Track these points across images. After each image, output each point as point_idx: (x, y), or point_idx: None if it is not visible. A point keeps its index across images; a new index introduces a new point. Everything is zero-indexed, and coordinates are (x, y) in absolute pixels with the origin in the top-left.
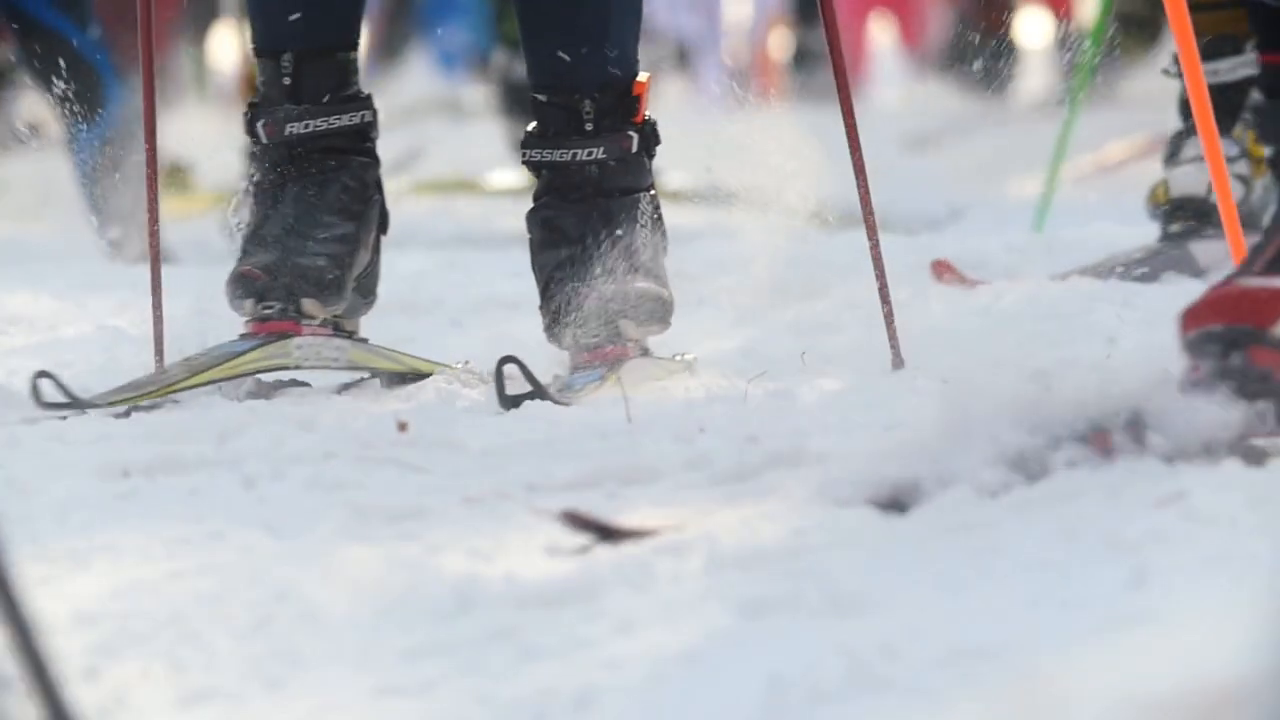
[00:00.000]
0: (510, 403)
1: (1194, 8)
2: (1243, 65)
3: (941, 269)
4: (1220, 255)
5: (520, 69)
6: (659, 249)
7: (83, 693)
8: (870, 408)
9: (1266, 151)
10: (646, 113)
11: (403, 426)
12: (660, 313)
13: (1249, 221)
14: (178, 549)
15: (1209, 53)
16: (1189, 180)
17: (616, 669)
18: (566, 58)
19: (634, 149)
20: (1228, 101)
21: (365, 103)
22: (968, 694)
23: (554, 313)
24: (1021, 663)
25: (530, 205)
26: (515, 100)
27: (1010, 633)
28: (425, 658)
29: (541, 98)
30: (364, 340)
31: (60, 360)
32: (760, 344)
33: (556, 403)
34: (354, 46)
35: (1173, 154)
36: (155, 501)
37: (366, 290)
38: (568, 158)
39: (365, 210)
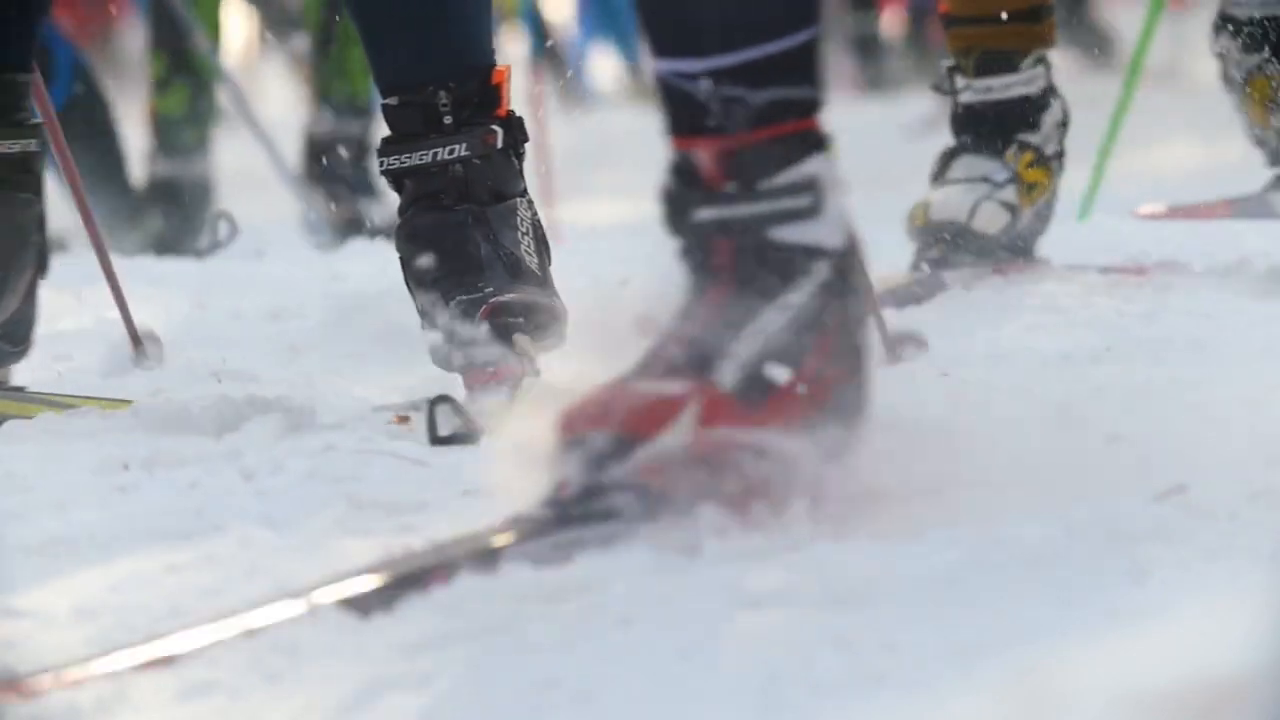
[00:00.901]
0: (442, 441)
1: (966, 21)
2: (1018, 84)
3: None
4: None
5: (324, 119)
6: (545, 258)
7: (81, 686)
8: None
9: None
10: (509, 106)
11: (403, 420)
12: (555, 326)
13: (1015, 250)
14: (176, 542)
15: (981, 68)
16: (951, 204)
17: (615, 663)
18: (413, 49)
19: (499, 144)
20: (1000, 121)
21: (31, 131)
22: (967, 688)
23: (440, 334)
24: (1021, 657)
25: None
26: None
27: (1009, 627)
28: (424, 651)
29: (393, 101)
30: (18, 389)
31: (58, 354)
32: None
33: (478, 436)
34: (25, 69)
35: (939, 173)
36: (154, 495)
37: (16, 339)
38: (428, 159)
39: (16, 252)
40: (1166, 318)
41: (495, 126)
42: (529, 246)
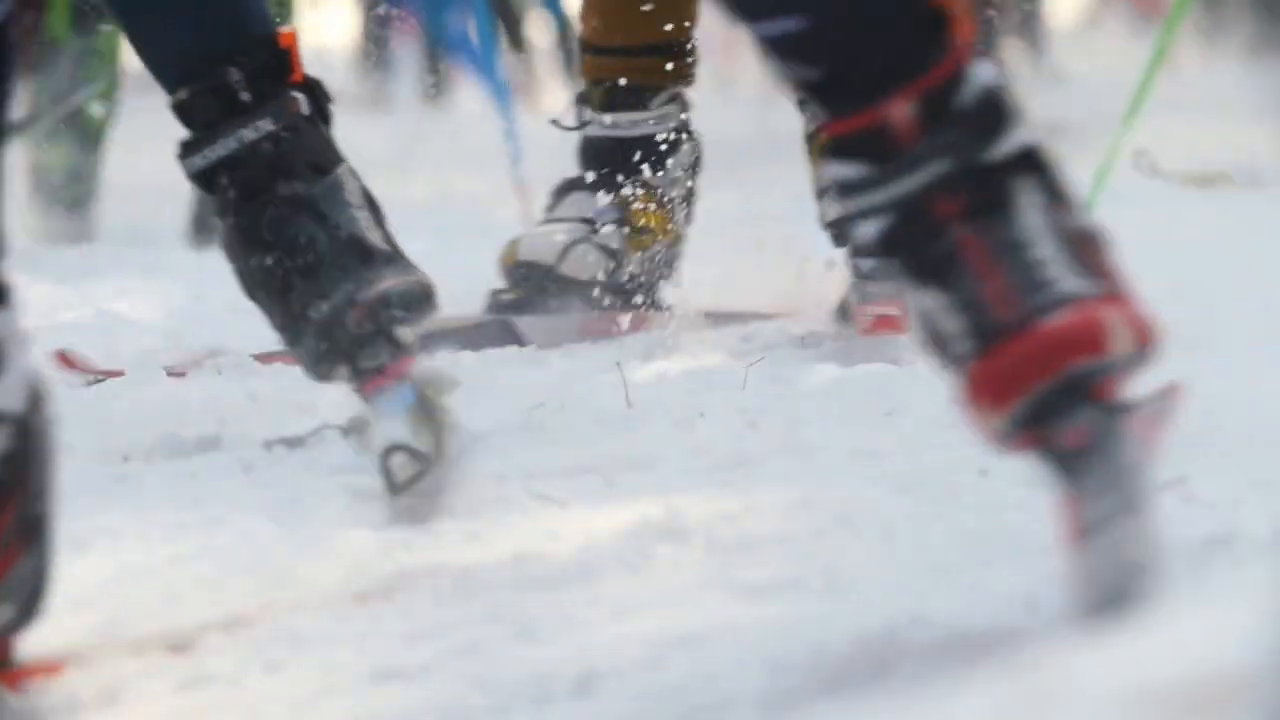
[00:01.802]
0: (401, 490)
1: (602, 50)
2: (646, 121)
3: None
4: (550, 333)
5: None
6: (385, 227)
7: (82, 677)
8: (870, 394)
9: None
10: (304, 70)
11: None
12: (427, 301)
13: (626, 296)
14: (176, 533)
15: (605, 103)
16: (540, 245)
17: (616, 653)
18: (190, 30)
19: (304, 111)
20: (621, 159)
21: None
22: (969, 680)
23: (311, 347)
24: (1022, 648)
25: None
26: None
27: (1011, 618)
28: (424, 641)
29: (182, 95)
30: None
31: (59, 344)
32: (759, 330)
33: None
34: None
35: (548, 207)
36: (154, 485)
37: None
38: (235, 145)
39: None
40: (1165, 308)
41: (296, 94)
42: (367, 220)
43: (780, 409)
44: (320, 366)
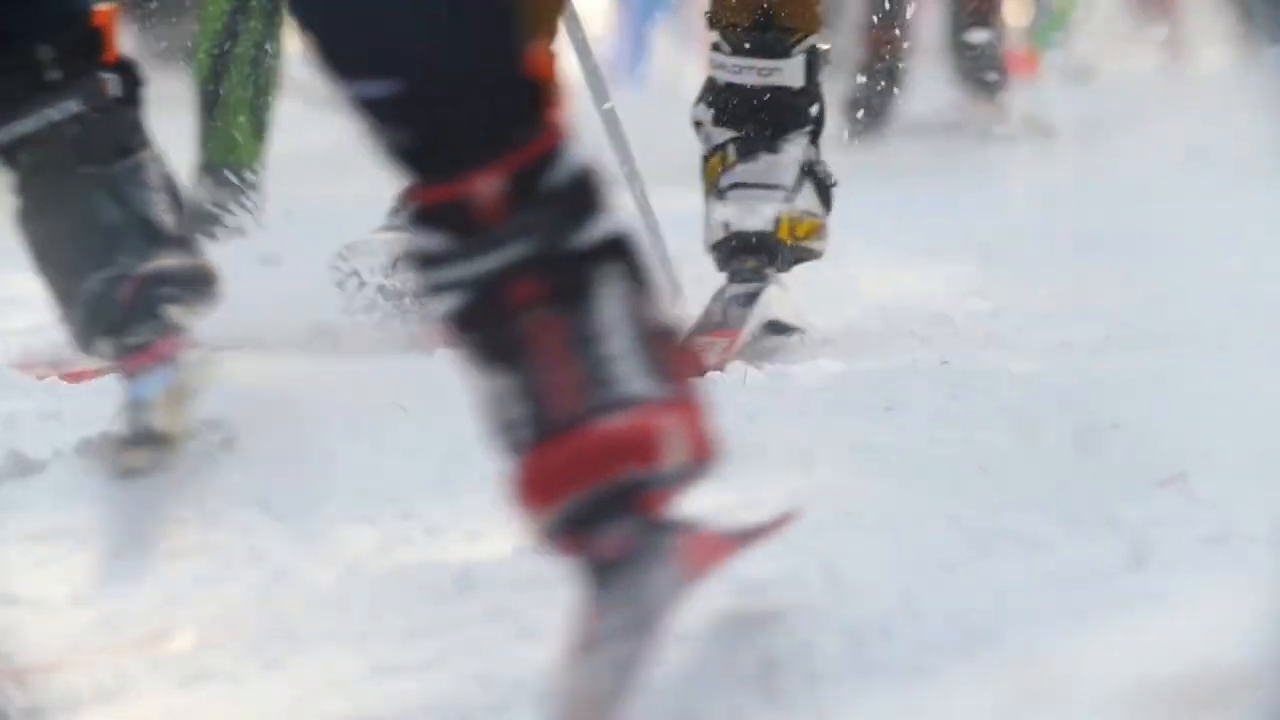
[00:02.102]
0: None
1: None
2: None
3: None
4: None
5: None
6: (179, 213)
7: (82, 674)
8: (869, 388)
9: None
10: (119, 50)
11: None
12: (207, 290)
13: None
14: (176, 529)
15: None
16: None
17: None
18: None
19: (115, 93)
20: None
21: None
22: (966, 675)
23: (80, 319)
24: (1020, 644)
25: None
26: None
27: (1009, 614)
28: (424, 638)
29: None
30: None
31: (58, 340)
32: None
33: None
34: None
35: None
36: (154, 481)
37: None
38: (40, 123)
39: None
40: (1167, 306)
41: (106, 75)
42: (162, 205)
43: (779, 403)
44: (85, 338)
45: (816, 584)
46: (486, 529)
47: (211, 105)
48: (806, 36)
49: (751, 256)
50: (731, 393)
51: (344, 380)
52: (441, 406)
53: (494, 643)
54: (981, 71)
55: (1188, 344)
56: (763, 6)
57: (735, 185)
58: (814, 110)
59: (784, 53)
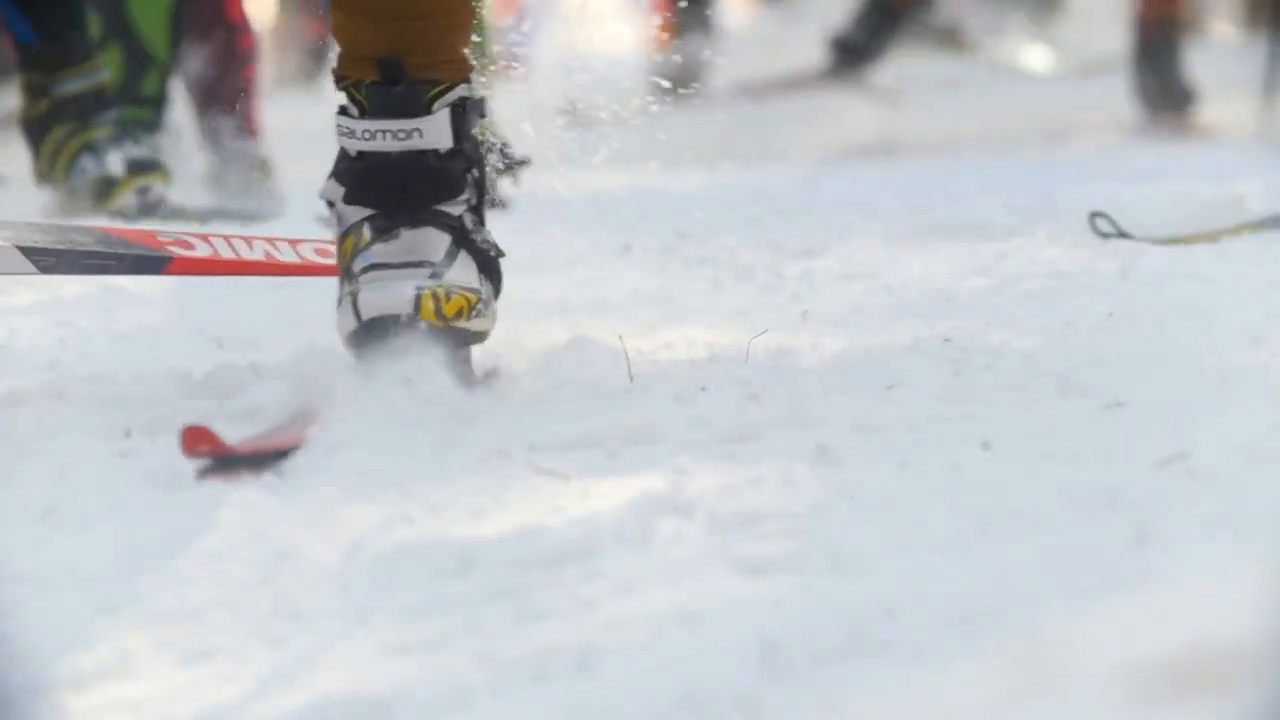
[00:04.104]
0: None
1: None
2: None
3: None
4: None
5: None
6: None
7: (84, 653)
8: (871, 367)
9: None
10: None
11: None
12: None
13: None
14: (179, 508)
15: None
16: None
17: (617, 628)
18: None
19: None
20: None
21: None
22: (969, 655)
23: None
24: (1022, 623)
25: None
26: None
27: (1012, 592)
28: (426, 616)
29: None
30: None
31: (61, 319)
32: (761, 303)
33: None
34: None
35: None
36: (156, 461)
37: None
38: None
39: None
40: (1169, 283)
41: None
42: None
43: (782, 383)
44: None
45: (818, 564)
46: (488, 508)
47: None
48: (451, 87)
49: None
50: (732, 371)
51: (341, 358)
52: (443, 384)
53: (495, 622)
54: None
55: (1191, 321)
56: (391, 58)
57: (370, 267)
58: (470, 175)
59: (423, 109)
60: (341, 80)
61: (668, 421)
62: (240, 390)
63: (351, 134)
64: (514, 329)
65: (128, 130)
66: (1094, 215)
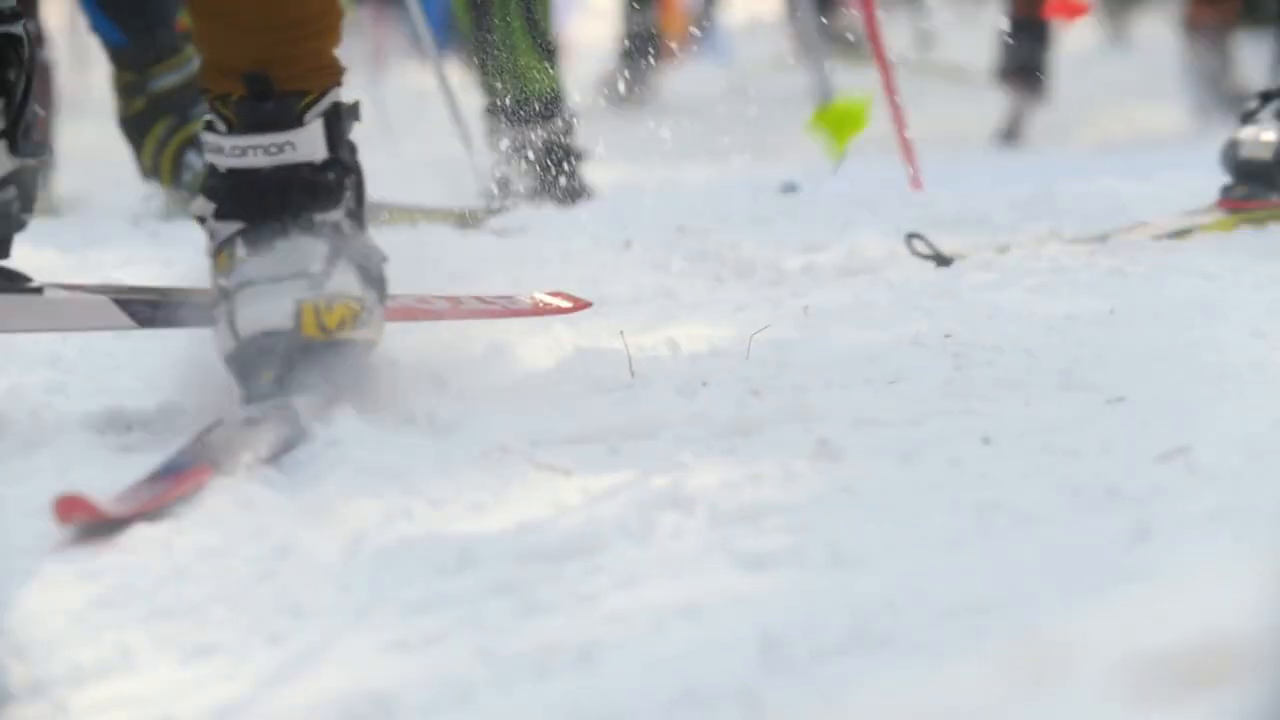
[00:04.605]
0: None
1: None
2: None
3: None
4: None
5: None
6: None
7: (85, 648)
8: (873, 362)
9: None
10: None
11: None
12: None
13: None
14: (180, 503)
15: None
16: None
17: (618, 623)
18: None
19: None
20: None
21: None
22: (969, 649)
23: None
24: (1023, 618)
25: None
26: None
27: (1012, 588)
28: (427, 612)
29: None
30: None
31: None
32: (762, 298)
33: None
34: None
35: None
36: (157, 456)
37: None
38: None
39: None
40: (1170, 280)
41: None
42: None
43: (783, 378)
44: None
45: (818, 559)
46: (489, 503)
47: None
48: (322, 95)
49: (270, 366)
50: (733, 366)
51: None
52: (445, 380)
53: (496, 617)
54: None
55: (1191, 317)
56: (257, 72)
57: (246, 282)
58: (348, 181)
59: (294, 122)
60: (206, 94)
61: (668, 417)
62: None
63: (220, 151)
64: (515, 325)
65: None
66: (910, 237)
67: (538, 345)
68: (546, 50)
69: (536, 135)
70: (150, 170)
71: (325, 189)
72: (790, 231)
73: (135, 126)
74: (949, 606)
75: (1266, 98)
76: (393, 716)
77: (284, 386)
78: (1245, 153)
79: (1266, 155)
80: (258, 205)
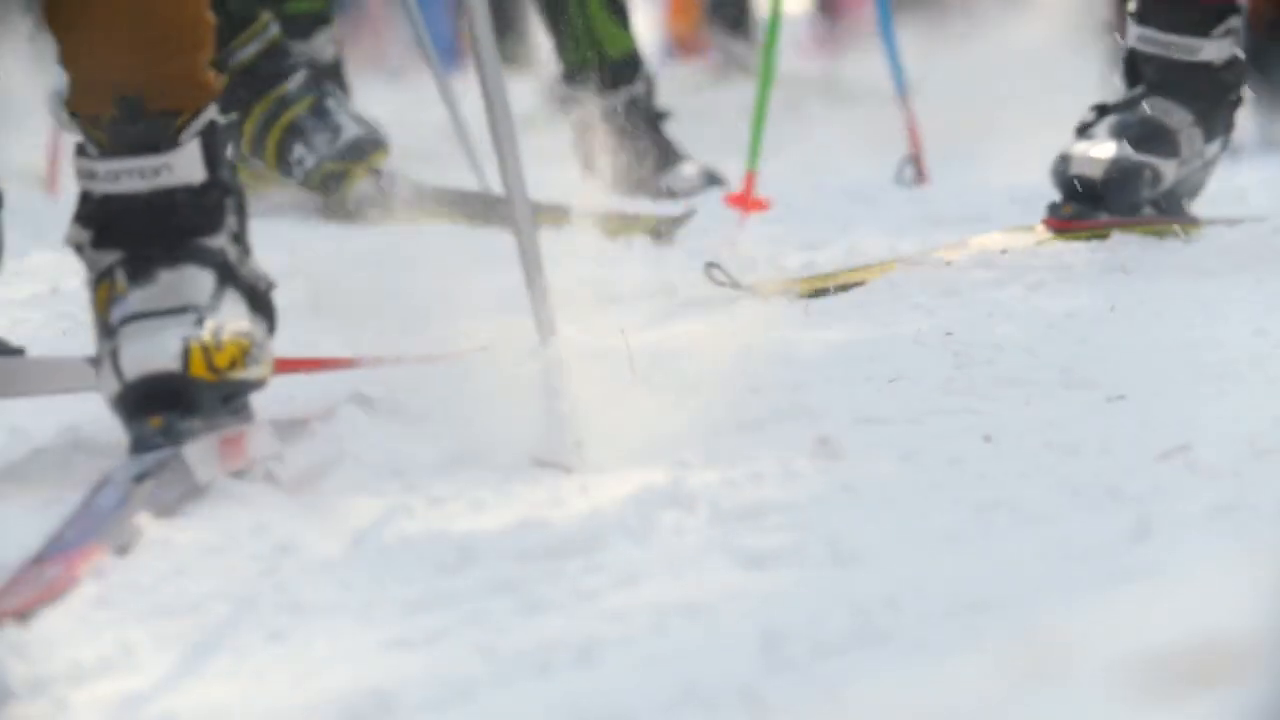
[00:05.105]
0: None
1: None
2: None
3: None
4: None
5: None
6: None
7: (85, 645)
8: (873, 360)
9: None
10: None
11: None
12: None
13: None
14: (181, 501)
15: None
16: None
17: (619, 621)
18: None
19: None
20: None
21: None
22: (970, 647)
23: None
24: (1024, 616)
25: None
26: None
27: (1012, 586)
28: (427, 610)
29: None
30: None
31: (61, 311)
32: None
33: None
34: None
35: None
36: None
37: None
38: None
39: None
40: (1170, 276)
41: None
42: None
43: (783, 375)
44: None
45: (821, 556)
46: (489, 501)
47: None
48: (196, 114)
49: (159, 412)
50: (735, 364)
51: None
52: (445, 377)
53: (497, 615)
54: None
55: (1192, 315)
56: (127, 89)
57: (130, 318)
58: (229, 203)
59: (169, 143)
60: (75, 117)
61: (669, 414)
62: None
63: (93, 175)
64: (515, 323)
65: (319, 86)
66: (709, 265)
67: (537, 342)
68: (619, 11)
69: (620, 99)
70: (250, 155)
71: (206, 213)
72: (790, 229)
73: (230, 107)
74: (949, 604)
75: (1103, 111)
76: (393, 714)
77: (173, 434)
78: (1075, 169)
79: (1097, 173)
80: (137, 232)
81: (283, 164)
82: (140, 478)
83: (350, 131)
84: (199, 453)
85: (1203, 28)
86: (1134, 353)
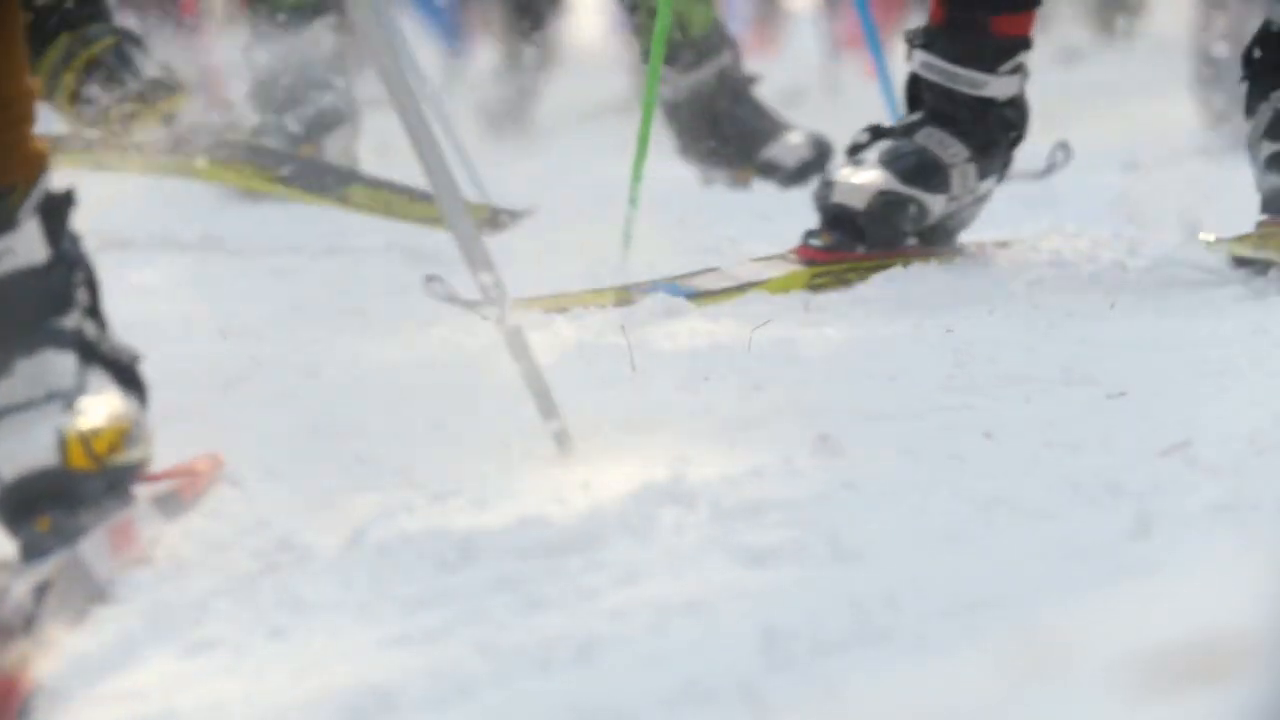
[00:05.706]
0: None
1: None
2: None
3: None
4: None
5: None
6: None
7: (85, 642)
8: (874, 357)
9: None
10: None
11: None
12: None
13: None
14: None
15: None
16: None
17: (619, 619)
18: None
19: None
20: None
21: None
22: (970, 644)
23: None
24: (1024, 613)
25: None
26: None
27: (1013, 583)
28: (428, 607)
29: None
30: None
31: None
32: (764, 293)
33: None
34: None
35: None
36: (159, 449)
37: None
38: None
39: None
40: (1170, 273)
41: None
42: None
43: (784, 372)
44: None
45: (821, 554)
46: (490, 497)
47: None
48: (30, 188)
49: (45, 512)
50: (735, 360)
51: (348, 350)
52: (446, 376)
53: (497, 612)
54: None
55: (1192, 312)
56: None
57: None
58: (77, 277)
59: (5, 225)
60: None
61: (670, 411)
62: (243, 380)
63: None
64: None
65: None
66: (428, 279)
67: (539, 340)
68: None
69: (707, 72)
70: (45, 96)
71: (55, 293)
72: (791, 226)
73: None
74: (950, 601)
75: (877, 134)
76: (393, 710)
77: (64, 534)
78: (837, 197)
79: (859, 204)
80: None
81: (76, 101)
82: (41, 591)
83: (147, 74)
84: (93, 549)
85: (990, 63)
86: (1134, 350)
